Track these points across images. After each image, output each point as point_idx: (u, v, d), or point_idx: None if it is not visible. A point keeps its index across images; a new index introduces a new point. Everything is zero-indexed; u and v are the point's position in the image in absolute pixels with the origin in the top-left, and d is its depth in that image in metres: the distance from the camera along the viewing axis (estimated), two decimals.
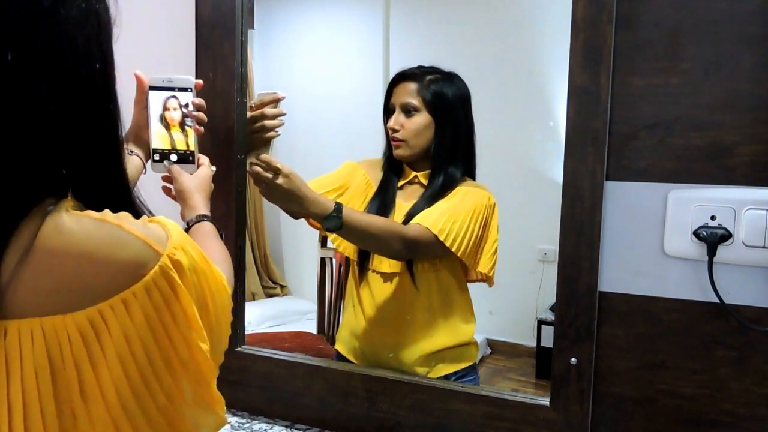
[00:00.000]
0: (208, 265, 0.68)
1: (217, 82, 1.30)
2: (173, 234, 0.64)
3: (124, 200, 0.68)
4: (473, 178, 1.36)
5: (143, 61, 1.29)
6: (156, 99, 1.00)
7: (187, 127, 1.00)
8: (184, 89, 1.00)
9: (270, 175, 1.07)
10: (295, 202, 1.11)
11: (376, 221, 1.23)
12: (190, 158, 1.00)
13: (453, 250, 1.24)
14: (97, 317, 0.58)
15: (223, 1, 1.28)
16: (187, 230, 0.92)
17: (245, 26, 1.30)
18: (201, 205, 0.95)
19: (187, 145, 1.00)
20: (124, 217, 0.62)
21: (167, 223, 0.65)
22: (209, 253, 0.80)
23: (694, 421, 1.02)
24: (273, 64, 2.35)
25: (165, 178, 1.03)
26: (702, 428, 1.02)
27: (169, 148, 1.01)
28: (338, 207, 1.13)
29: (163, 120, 1.00)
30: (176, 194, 0.98)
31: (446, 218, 1.24)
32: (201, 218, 0.93)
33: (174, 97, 0.99)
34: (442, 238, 1.23)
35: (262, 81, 2.26)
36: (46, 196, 0.60)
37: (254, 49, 2.13)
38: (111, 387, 0.59)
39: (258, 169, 1.08)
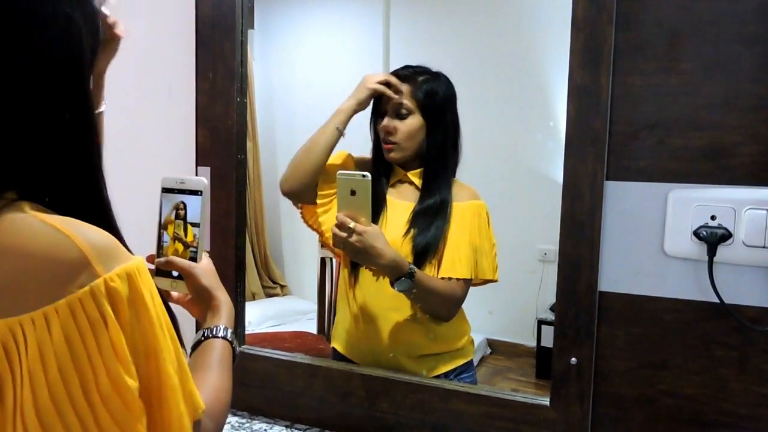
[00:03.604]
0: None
1: (217, 81, 1.30)
2: (132, 261, 0.58)
3: (96, 204, 0.63)
4: (455, 174, 1.36)
5: (143, 60, 1.29)
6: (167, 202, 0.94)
7: (194, 229, 0.93)
8: (195, 192, 0.93)
9: (345, 234, 1.15)
10: (369, 260, 1.19)
11: (441, 286, 1.28)
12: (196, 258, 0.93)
13: (477, 279, 1.31)
14: (18, 329, 0.53)
15: (223, 1, 1.28)
16: (200, 341, 0.82)
17: (245, 26, 1.30)
18: (225, 312, 0.85)
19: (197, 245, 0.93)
20: (79, 224, 0.57)
21: (136, 257, 0.59)
22: (209, 376, 0.75)
23: (694, 421, 1.02)
24: (273, 64, 2.35)
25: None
26: (702, 428, 1.02)
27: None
28: (412, 271, 1.20)
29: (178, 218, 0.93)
30: (193, 293, 0.89)
31: (468, 259, 1.29)
32: (222, 334, 0.83)
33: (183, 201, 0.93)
34: (472, 277, 1.30)
35: (262, 81, 2.27)
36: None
37: (254, 49, 2.13)
38: (24, 408, 0.54)
39: (335, 230, 1.16)
